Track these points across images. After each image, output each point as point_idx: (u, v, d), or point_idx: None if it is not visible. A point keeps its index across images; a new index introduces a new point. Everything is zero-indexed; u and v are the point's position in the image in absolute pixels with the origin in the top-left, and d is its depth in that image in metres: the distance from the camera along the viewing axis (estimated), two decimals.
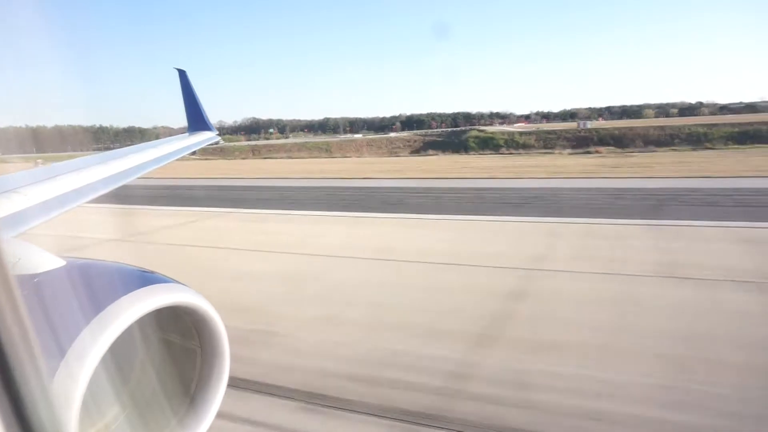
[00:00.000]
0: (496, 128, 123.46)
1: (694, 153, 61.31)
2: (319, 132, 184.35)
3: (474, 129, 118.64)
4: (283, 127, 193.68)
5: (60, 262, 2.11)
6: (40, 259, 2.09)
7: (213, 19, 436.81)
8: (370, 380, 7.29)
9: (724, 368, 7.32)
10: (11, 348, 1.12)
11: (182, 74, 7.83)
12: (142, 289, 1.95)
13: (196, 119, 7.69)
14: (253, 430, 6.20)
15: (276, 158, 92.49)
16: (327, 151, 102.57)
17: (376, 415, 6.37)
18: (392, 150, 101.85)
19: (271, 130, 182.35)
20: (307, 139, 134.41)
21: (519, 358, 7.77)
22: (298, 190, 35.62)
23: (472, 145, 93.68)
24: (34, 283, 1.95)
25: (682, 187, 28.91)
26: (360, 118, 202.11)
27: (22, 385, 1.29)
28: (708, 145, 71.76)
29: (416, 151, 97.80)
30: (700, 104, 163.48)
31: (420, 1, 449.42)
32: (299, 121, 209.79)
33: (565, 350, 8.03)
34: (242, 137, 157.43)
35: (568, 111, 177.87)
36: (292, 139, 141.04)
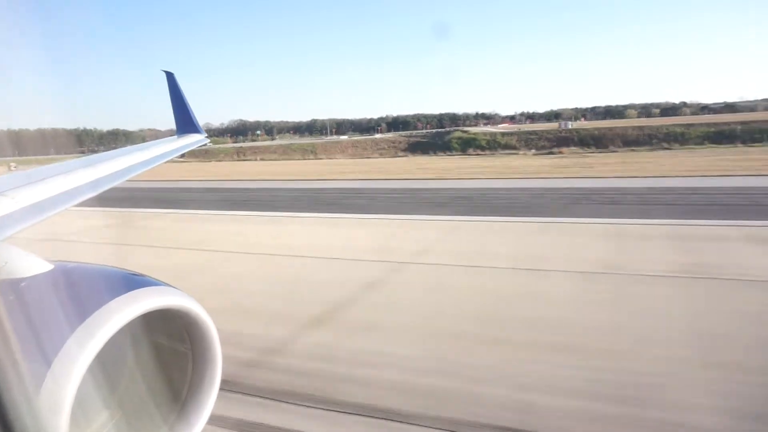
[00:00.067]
0: (480, 129, 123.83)
1: (651, 153, 64.86)
2: (307, 134, 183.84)
3: (458, 130, 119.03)
4: (270, 129, 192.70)
5: (48, 266, 2.06)
6: (27, 263, 2.05)
7: (201, 20, 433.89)
8: None
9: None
10: None
11: (170, 76, 7.80)
12: (131, 292, 1.90)
13: (185, 121, 7.66)
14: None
15: (253, 160, 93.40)
16: (312, 152, 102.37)
17: None
18: (377, 151, 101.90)
19: (259, 132, 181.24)
20: (292, 141, 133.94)
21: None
22: (240, 191, 37.69)
23: (455, 145, 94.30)
24: (21, 288, 1.91)
25: (600, 186, 31.48)
26: (348, 120, 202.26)
27: (7, 396, 1.23)
28: (679, 145, 73.86)
29: (402, 152, 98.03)
30: (684, 104, 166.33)
31: (410, 3, 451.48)
32: (287, 122, 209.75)
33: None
34: (229, 139, 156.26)
35: (554, 111, 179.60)
36: (277, 141, 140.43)
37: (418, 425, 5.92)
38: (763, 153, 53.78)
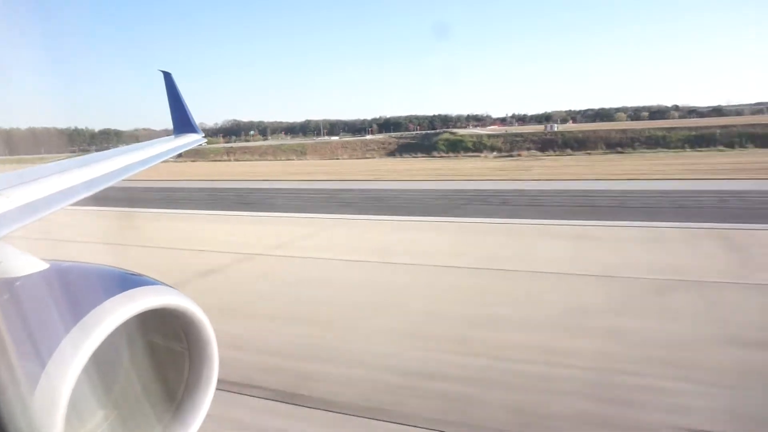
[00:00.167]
0: (468, 131, 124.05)
1: (608, 156, 68.78)
2: (300, 134, 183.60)
3: (447, 132, 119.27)
4: (264, 129, 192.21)
5: (43, 265, 2.04)
6: (21, 262, 2.03)
7: (198, 20, 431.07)
8: None
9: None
10: None
11: (167, 76, 7.76)
12: (127, 291, 1.89)
13: (182, 121, 7.62)
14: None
15: (226, 161, 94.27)
16: (302, 153, 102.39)
17: None
18: (367, 152, 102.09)
19: (252, 132, 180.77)
20: (283, 142, 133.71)
21: None
22: (168, 190, 38.78)
23: (442, 147, 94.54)
24: (15, 287, 1.88)
25: (521, 188, 33.34)
26: (341, 120, 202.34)
27: (2, 397, 1.22)
28: (661, 149, 75.28)
29: (391, 153, 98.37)
30: (676, 107, 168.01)
31: (409, 4, 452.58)
32: (281, 123, 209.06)
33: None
34: (221, 139, 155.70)
35: (544, 114, 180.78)
36: (269, 142, 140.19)
37: None
38: (721, 157, 56.09)
